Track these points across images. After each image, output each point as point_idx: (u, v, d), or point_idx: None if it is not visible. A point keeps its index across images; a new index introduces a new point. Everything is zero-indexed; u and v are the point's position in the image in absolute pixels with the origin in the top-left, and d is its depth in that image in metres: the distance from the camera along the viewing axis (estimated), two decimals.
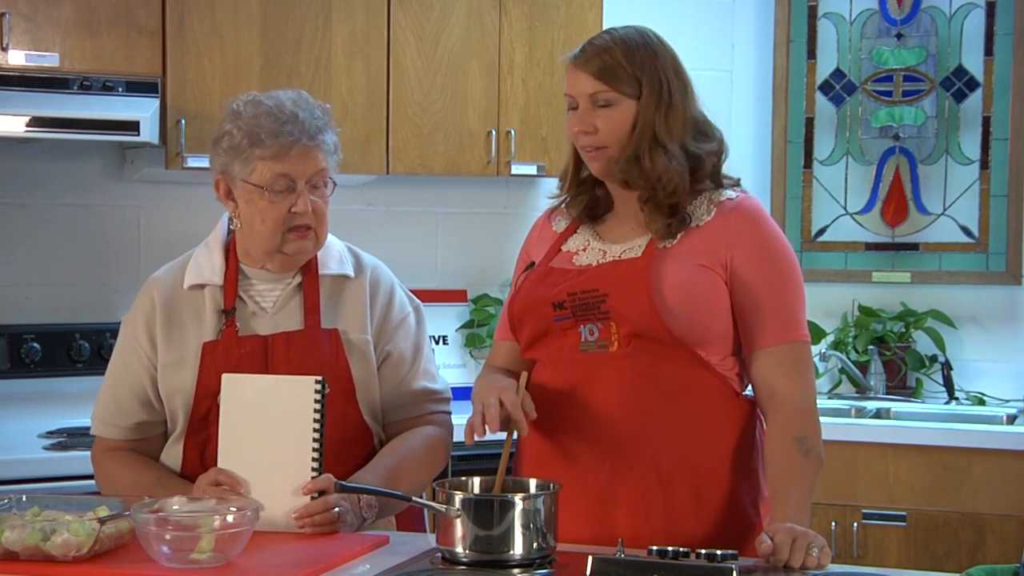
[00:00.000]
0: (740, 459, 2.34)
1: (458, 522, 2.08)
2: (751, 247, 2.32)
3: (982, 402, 4.45)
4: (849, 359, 4.57)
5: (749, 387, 2.40)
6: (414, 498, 2.21)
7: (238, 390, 2.33)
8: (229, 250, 2.51)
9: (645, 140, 2.31)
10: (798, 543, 2.07)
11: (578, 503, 2.29)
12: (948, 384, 4.44)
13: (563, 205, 2.48)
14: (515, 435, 2.26)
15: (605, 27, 4.20)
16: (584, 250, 2.40)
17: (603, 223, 2.43)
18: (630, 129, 2.32)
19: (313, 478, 2.27)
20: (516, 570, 2.07)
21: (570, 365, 2.34)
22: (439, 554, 2.14)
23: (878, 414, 4.31)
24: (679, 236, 2.33)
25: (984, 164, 4.56)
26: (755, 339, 2.32)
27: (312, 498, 2.25)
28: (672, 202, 2.32)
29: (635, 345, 2.29)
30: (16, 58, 3.51)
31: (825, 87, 4.76)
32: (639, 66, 2.32)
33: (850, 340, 4.61)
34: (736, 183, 2.42)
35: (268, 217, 2.41)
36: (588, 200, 2.43)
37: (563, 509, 2.25)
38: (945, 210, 4.62)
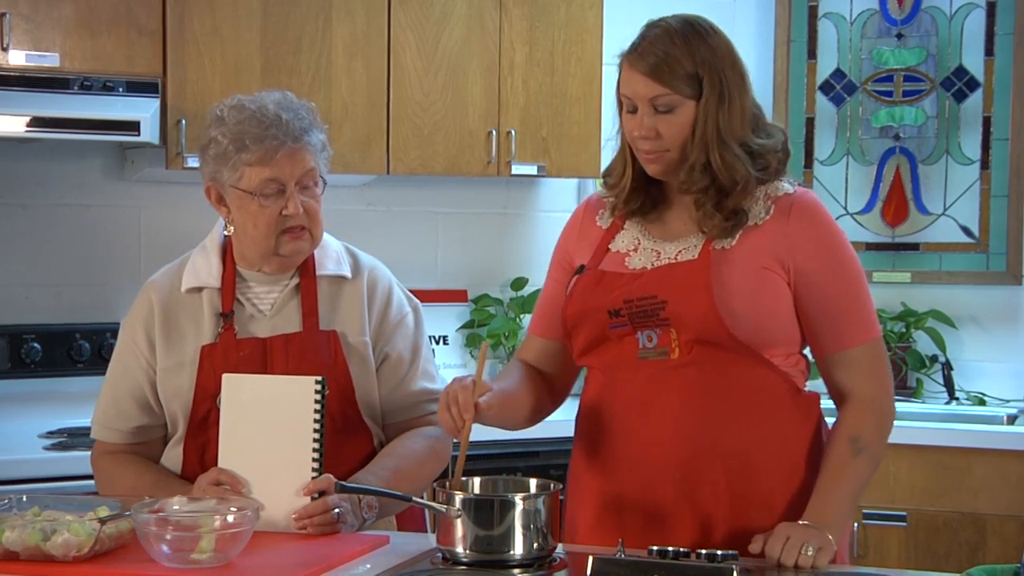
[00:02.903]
0: (805, 456, 2.27)
1: (458, 522, 2.08)
2: (815, 249, 2.25)
3: (982, 402, 4.45)
4: None
5: (810, 382, 2.34)
6: (414, 498, 2.21)
7: (238, 390, 2.33)
8: (226, 253, 2.51)
9: (712, 142, 2.22)
10: (791, 541, 2.08)
11: (643, 513, 2.24)
12: (948, 384, 4.44)
13: (613, 201, 2.37)
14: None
15: (606, 27, 4.26)
16: (636, 250, 2.31)
17: (653, 218, 2.34)
18: (691, 131, 2.23)
19: (313, 478, 2.27)
20: (516, 570, 2.08)
21: (630, 374, 2.27)
22: (439, 554, 2.14)
23: None
24: (737, 236, 2.25)
25: (984, 164, 4.56)
26: (827, 343, 2.27)
27: (312, 499, 2.25)
28: (735, 205, 2.24)
29: (697, 352, 2.21)
30: (16, 58, 3.50)
31: (825, 87, 4.76)
32: (699, 64, 2.21)
33: None
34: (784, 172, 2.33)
35: (260, 221, 2.41)
36: (643, 196, 2.33)
37: (626, 518, 2.23)
38: (945, 210, 4.62)
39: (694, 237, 2.27)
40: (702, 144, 2.23)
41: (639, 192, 2.33)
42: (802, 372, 2.31)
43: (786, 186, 2.30)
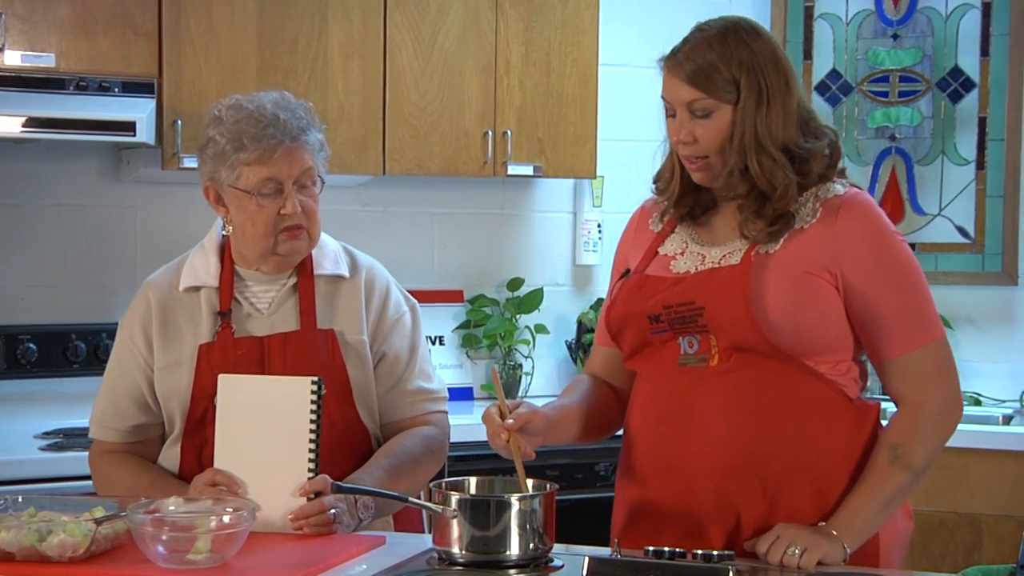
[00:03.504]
0: (853, 468, 2.20)
1: (454, 523, 2.08)
2: (862, 253, 2.17)
3: (978, 402, 4.45)
4: None
5: (864, 391, 2.28)
6: (410, 498, 2.21)
7: (234, 390, 2.33)
8: (224, 252, 2.52)
9: (749, 147, 2.17)
10: (778, 540, 2.08)
11: (676, 520, 2.20)
12: None
13: (664, 205, 2.35)
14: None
15: (602, 28, 4.27)
16: (682, 254, 2.28)
17: (702, 222, 2.31)
18: (729, 136, 2.19)
19: (309, 479, 2.26)
20: (512, 571, 2.08)
21: (670, 380, 2.23)
22: (435, 555, 2.14)
23: None
24: (782, 240, 2.19)
25: (980, 164, 4.57)
26: (880, 350, 2.20)
27: (309, 499, 2.25)
28: (777, 210, 2.18)
29: (736, 359, 2.17)
30: (12, 59, 3.50)
31: (821, 88, 4.77)
32: (737, 67, 2.18)
33: None
34: (842, 173, 2.27)
35: (258, 221, 2.41)
36: (692, 201, 2.30)
37: (658, 525, 2.21)
38: (941, 210, 4.62)
39: (739, 241, 2.23)
40: (739, 149, 2.18)
41: (688, 196, 2.30)
42: (855, 380, 2.23)
43: (837, 188, 2.24)
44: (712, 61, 2.19)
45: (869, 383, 2.31)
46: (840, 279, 2.18)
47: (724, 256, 2.23)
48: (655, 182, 2.38)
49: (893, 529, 2.24)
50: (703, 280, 2.21)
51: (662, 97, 2.26)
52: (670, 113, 2.25)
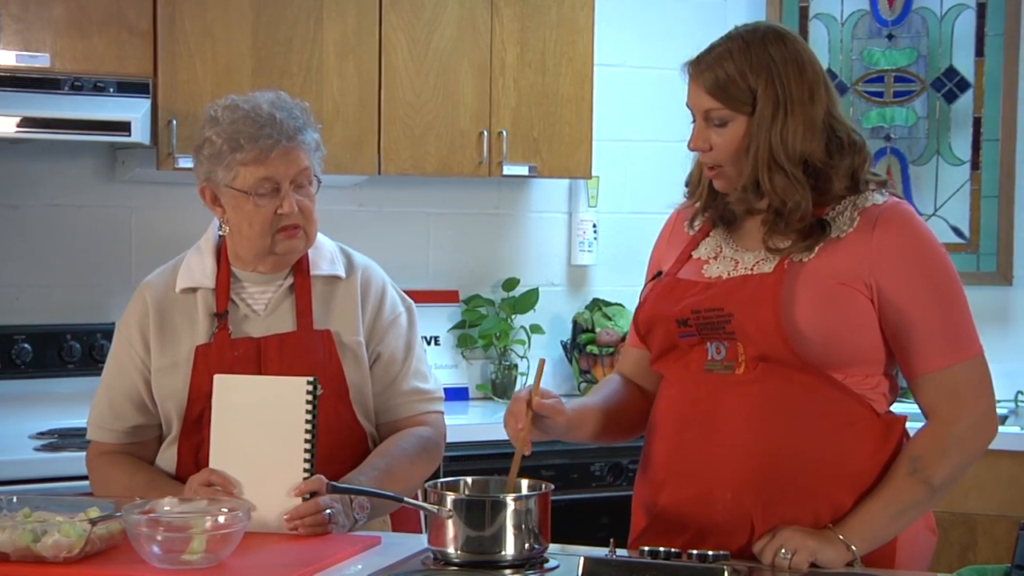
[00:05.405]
0: (874, 483, 2.16)
1: (450, 523, 2.08)
2: (899, 265, 2.14)
3: None
4: None
5: (893, 405, 2.24)
6: (405, 499, 2.21)
7: (230, 390, 2.33)
8: (220, 253, 2.52)
9: (762, 161, 2.13)
10: (772, 542, 2.08)
11: (691, 526, 2.18)
12: None
13: (695, 208, 2.32)
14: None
15: (597, 28, 4.26)
16: (715, 258, 2.25)
17: (737, 227, 2.27)
18: (744, 147, 2.16)
19: (305, 479, 2.26)
20: (508, 571, 2.08)
21: (695, 385, 2.20)
22: (431, 555, 2.14)
23: None
24: (817, 249, 2.15)
25: (975, 165, 4.57)
26: (914, 364, 2.16)
27: (304, 499, 2.25)
28: (795, 226, 2.14)
29: (762, 369, 2.13)
30: (7, 58, 3.50)
31: None
32: (755, 75, 2.14)
33: None
34: (883, 183, 2.23)
35: (255, 221, 2.41)
36: (723, 205, 2.26)
37: (672, 530, 2.19)
38: (936, 211, 4.63)
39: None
40: (753, 162, 2.15)
41: (719, 201, 2.27)
42: (884, 395, 2.20)
43: (876, 197, 2.20)
44: (731, 71, 2.15)
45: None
46: (875, 291, 2.14)
47: (757, 263, 2.19)
48: (686, 185, 2.36)
49: (914, 542, 2.23)
50: (734, 287, 2.18)
51: (686, 104, 2.23)
52: (692, 119, 2.23)
